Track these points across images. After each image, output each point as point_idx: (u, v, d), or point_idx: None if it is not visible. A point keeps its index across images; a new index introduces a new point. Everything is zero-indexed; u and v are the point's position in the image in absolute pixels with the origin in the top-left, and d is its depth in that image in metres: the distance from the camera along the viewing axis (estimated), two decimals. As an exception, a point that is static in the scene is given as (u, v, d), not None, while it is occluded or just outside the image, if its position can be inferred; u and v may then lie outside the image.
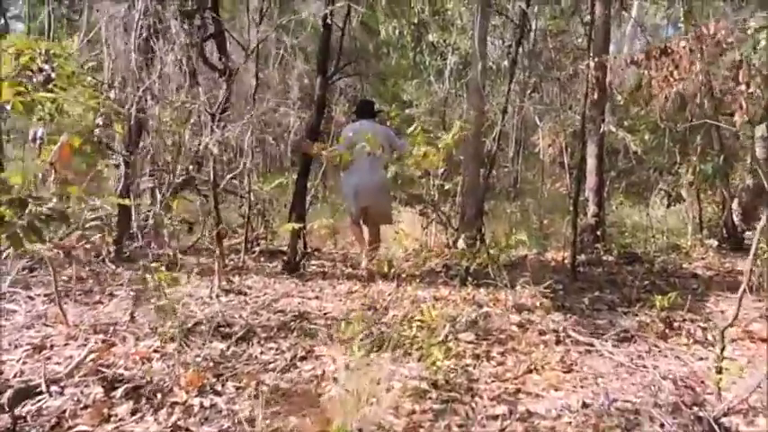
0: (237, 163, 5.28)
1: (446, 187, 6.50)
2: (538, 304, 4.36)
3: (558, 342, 3.54)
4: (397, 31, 9.65)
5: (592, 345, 3.47)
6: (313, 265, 5.91)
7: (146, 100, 3.75)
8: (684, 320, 3.97)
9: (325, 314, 4.01)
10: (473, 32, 4.66)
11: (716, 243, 6.83)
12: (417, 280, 4.81)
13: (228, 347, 3.25)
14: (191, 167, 5.54)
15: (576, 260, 5.36)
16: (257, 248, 6.24)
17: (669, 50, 3.52)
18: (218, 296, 4.22)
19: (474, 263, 4.25)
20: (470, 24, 10.31)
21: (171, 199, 3.96)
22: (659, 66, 3.50)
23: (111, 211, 5.13)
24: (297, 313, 3.97)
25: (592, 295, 4.59)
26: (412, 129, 3.68)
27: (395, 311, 4.05)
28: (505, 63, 10.32)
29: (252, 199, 6.19)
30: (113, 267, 4.92)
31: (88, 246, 4.88)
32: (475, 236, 4.97)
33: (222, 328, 3.56)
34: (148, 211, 5.01)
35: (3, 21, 15.73)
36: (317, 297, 4.46)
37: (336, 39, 5.37)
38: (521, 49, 4.64)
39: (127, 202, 3.88)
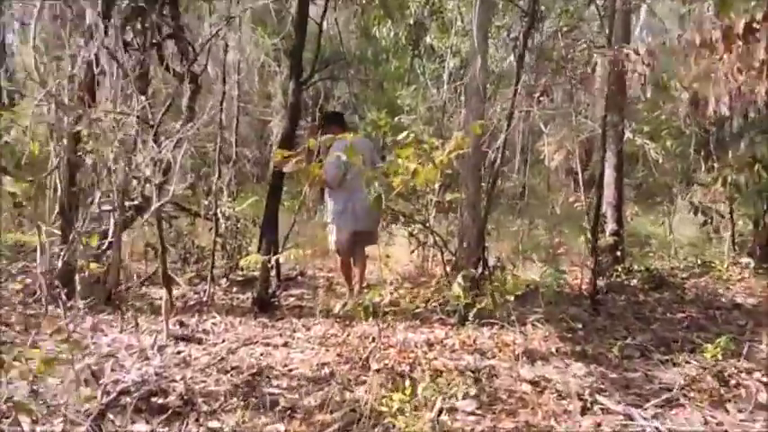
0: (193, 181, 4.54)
1: (447, 199, 5.74)
2: (554, 350, 3.57)
3: (584, 411, 2.76)
4: (392, 33, 8.93)
5: (629, 416, 2.68)
6: (291, 295, 5.15)
7: (49, 111, 3.02)
8: (740, 373, 3.17)
9: (290, 370, 3.24)
10: (472, 26, 3.92)
11: (752, 263, 6.01)
12: (408, 318, 4.06)
13: (153, 431, 2.48)
14: (147, 188, 4.80)
15: (596, 289, 4.57)
16: (227, 277, 5.49)
17: (756, 27, 2.62)
18: (161, 348, 3.46)
19: (476, 301, 3.48)
20: (471, 25, 9.60)
21: (92, 233, 3.18)
22: (741, 50, 2.65)
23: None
24: (256, 370, 3.20)
25: (620, 337, 3.80)
26: (401, 136, 2.92)
27: (378, 364, 3.28)
28: (507, 63, 9.58)
29: (222, 221, 5.47)
30: (52, 309, 4.18)
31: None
32: (475, 264, 4.20)
33: (155, 398, 2.79)
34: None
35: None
36: (285, 344, 3.68)
37: (314, 38, 4.64)
38: (529, 43, 3.89)
39: (23, 236, 3.11)
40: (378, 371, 3.18)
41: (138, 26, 4.27)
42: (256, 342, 3.69)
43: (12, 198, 2.60)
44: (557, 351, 3.55)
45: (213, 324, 4.09)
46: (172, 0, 4.47)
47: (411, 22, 9.11)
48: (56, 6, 3.07)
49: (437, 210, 5.84)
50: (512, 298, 3.34)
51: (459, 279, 3.09)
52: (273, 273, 4.76)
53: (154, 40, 4.44)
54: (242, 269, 5.76)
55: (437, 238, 4.76)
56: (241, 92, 7.59)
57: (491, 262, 5.01)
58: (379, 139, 5.33)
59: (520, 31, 4.00)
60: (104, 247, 4.63)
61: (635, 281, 5.55)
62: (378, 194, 2.99)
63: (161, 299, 4.91)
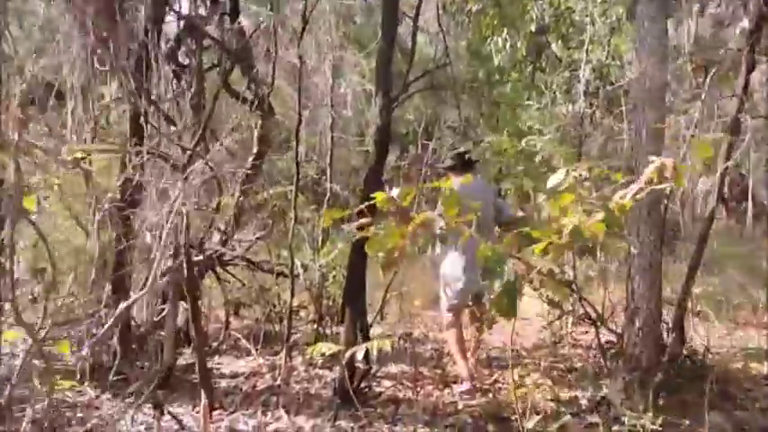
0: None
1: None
2: None
3: None
4: (508, 45, 7.65)
5: None
6: (388, 376, 3.96)
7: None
8: None
9: None
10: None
11: None
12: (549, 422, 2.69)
13: None
14: (214, 239, 3.95)
15: None
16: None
17: None
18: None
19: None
20: (604, 31, 8.03)
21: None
22: None
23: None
24: None
25: None
26: (556, 178, 1.68)
27: None
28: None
29: (302, 277, 4.48)
30: (95, 395, 3.39)
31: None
32: (657, 361, 2.72)
33: None
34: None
35: None
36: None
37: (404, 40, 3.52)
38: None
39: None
40: None
41: (192, 44, 3.45)
42: (325, 475, 2.53)
43: None
44: None
45: (277, 424, 3.01)
46: (233, 11, 3.61)
47: (531, 29, 7.76)
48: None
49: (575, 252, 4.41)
50: None
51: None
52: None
53: (212, 62, 3.61)
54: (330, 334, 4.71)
55: (589, 309, 3.33)
56: (337, 120, 6.68)
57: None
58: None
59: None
60: (162, 314, 3.84)
61: None
62: (509, 283, 1.72)
63: (229, 376, 4.03)
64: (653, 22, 2.63)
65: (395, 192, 1.74)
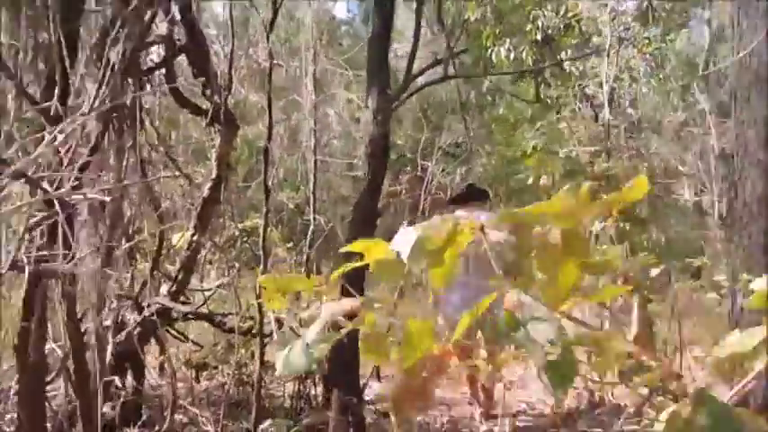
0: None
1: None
2: None
3: None
4: (512, 55, 6.91)
5: None
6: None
7: None
8: None
9: None
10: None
11: None
12: None
13: None
14: (161, 293, 3.04)
15: None
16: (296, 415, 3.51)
17: None
18: None
19: None
20: (612, 41, 7.38)
21: None
22: None
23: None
24: None
25: None
26: None
27: None
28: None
29: (276, 337, 3.55)
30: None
31: None
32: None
33: None
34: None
35: None
36: None
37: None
38: None
39: None
40: None
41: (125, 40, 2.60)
42: None
43: None
44: None
45: None
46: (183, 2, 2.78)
47: (536, 38, 7.05)
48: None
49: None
50: None
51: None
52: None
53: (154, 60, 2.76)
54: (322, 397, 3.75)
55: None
56: (321, 140, 5.84)
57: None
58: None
59: None
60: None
61: None
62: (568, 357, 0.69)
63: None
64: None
65: (402, 240, 0.69)
